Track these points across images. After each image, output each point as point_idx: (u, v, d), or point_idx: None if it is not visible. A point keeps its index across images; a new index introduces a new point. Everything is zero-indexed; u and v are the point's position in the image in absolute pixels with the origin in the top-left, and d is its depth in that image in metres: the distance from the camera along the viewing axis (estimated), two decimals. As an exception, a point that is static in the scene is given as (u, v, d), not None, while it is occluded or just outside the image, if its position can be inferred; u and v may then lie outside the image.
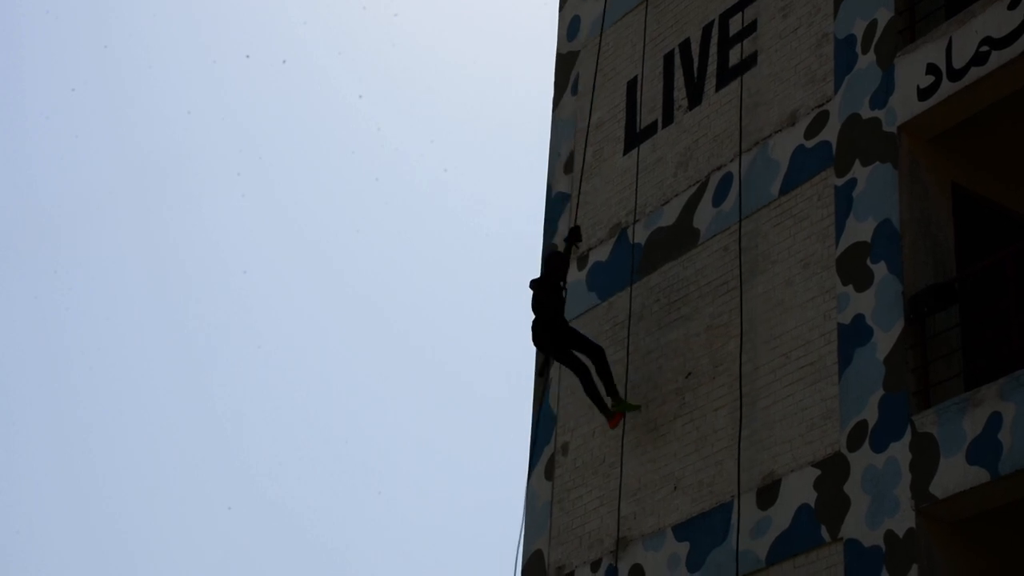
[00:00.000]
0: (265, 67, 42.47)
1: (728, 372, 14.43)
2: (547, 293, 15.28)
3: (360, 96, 43.08)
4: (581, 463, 15.70)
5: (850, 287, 13.53)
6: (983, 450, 11.87)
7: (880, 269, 13.32)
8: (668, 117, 16.32)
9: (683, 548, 14.17)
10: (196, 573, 37.75)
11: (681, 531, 14.27)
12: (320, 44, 43.12)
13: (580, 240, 15.82)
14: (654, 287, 15.68)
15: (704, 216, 15.38)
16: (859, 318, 13.35)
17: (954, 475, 12.05)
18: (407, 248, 42.79)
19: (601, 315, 16.13)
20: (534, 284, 15.44)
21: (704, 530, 14.02)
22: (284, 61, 43.93)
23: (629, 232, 16.25)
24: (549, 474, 16.12)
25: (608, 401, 15.12)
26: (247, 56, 42.18)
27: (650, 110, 16.60)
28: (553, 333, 15.16)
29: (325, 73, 43.38)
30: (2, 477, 39.07)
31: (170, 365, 41.55)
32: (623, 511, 15.00)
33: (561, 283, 15.42)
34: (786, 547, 13.22)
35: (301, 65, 43.80)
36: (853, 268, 13.57)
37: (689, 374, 14.89)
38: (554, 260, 15.55)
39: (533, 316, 15.35)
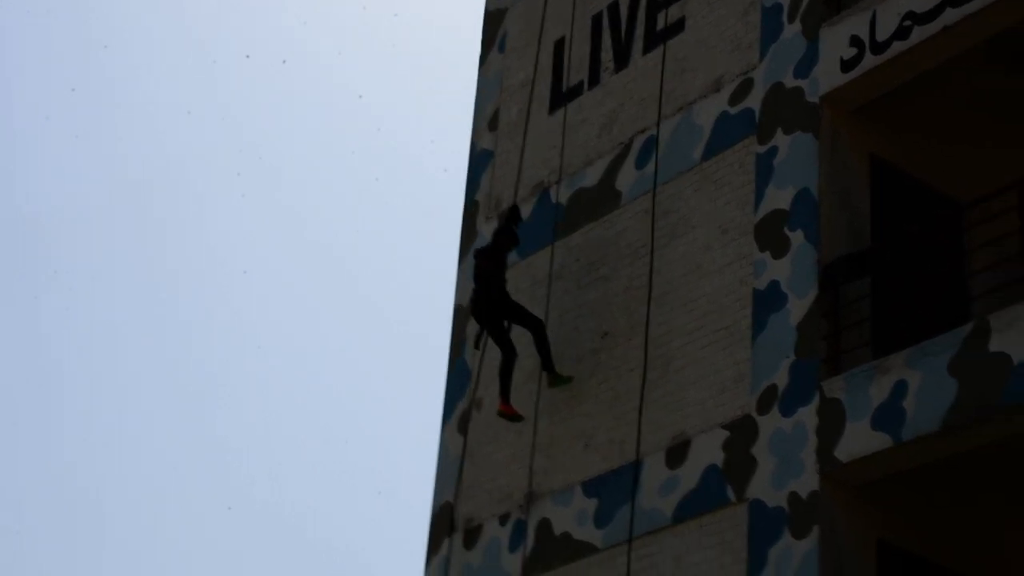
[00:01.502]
0: (265, 67, 42.39)
1: (644, 333, 14.56)
2: (495, 266, 15.33)
3: (360, 96, 43.22)
4: (494, 419, 15.79)
5: (767, 254, 13.68)
6: (887, 417, 12.07)
7: (797, 237, 13.47)
8: (594, 79, 16.40)
9: (591, 504, 14.31)
10: (196, 573, 37.75)
11: (590, 487, 14.41)
12: (320, 44, 43.08)
13: (520, 219, 15.85)
14: (574, 247, 15.78)
15: (626, 178, 15.49)
16: (774, 284, 13.50)
17: (858, 440, 12.25)
18: (407, 248, 42.88)
19: (520, 273, 16.20)
20: (479, 254, 15.47)
21: (613, 487, 14.17)
22: (284, 61, 43.88)
23: (552, 192, 16.33)
24: (462, 428, 16.21)
25: (545, 379, 15.22)
26: (247, 56, 42.11)
27: (576, 71, 16.67)
28: (495, 305, 15.22)
29: (325, 73, 43.37)
30: (1, 477, 38.88)
31: (170, 365, 41.48)
32: (534, 467, 15.12)
33: (507, 257, 15.49)
34: (693, 506, 13.39)
35: (301, 65, 43.77)
36: (771, 235, 13.71)
37: (606, 334, 15.01)
38: (504, 234, 15.59)
39: (474, 286, 15.41)
